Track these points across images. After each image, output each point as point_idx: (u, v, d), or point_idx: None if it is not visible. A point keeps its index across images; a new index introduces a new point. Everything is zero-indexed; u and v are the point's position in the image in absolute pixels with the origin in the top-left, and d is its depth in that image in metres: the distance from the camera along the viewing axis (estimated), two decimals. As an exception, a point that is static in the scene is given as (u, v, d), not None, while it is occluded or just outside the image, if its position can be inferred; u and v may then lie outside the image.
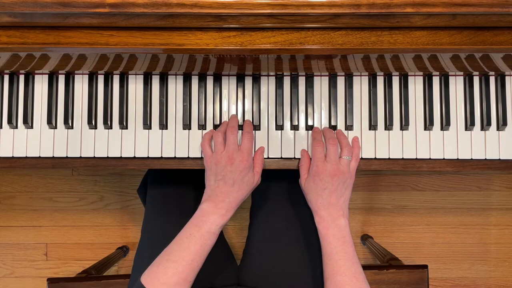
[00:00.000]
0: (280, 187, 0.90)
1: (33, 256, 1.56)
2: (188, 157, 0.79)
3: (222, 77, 0.79)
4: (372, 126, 0.79)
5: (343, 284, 0.68)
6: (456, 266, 1.56)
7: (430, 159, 0.79)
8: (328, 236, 0.71)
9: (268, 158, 0.79)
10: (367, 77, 0.79)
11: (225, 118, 0.80)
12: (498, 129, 0.79)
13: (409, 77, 0.79)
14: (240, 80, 0.79)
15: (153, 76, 0.79)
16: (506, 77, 0.79)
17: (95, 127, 0.79)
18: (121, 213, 1.55)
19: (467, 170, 0.89)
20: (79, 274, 1.07)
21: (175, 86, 0.79)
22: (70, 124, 0.79)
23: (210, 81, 0.80)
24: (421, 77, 0.79)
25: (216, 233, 0.71)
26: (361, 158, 0.78)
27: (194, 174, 0.92)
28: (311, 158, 0.76)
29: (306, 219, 0.85)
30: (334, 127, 0.79)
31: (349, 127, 0.79)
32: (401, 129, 0.79)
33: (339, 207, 0.72)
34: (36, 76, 0.79)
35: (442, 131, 0.79)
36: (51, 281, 0.97)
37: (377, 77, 0.79)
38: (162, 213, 0.89)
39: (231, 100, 0.80)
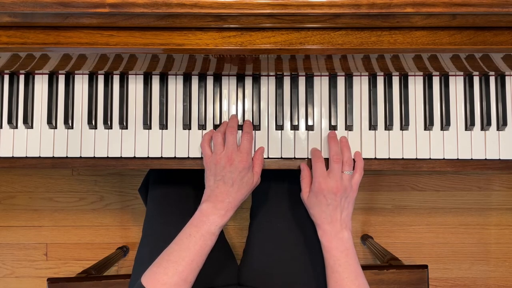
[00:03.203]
0: (280, 187, 0.90)
1: (33, 256, 1.56)
2: (188, 157, 0.79)
3: (222, 77, 0.79)
4: (372, 126, 0.78)
5: None
6: (456, 266, 1.56)
7: (430, 159, 0.79)
8: (331, 249, 0.71)
9: (268, 158, 0.79)
10: (367, 77, 0.79)
11: (225, 118, 0.80)
12: (498, 129, 0.79)
13: (409, 77, 0.79)
14: (240, 80, 0.79)
15: (153, 76, 0.79)
16: (506, 77, 0.79)
17: (95, 127, 0.79)
18: (121, 213, 1.55)
19: (467, 170, 0.89)
20: (79, 274, 1.07)
21: (175, 86, 0.79)
22: (70, 124, 0.79)
23: (210, 81, 0.80)
24: (421, 77, 0.79)
25: (216, 234, 0.71)
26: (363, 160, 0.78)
27: (196, 174, 0.92)
28: (311, 169, 0.76)
29: (306, 219, 0.85)
30: (334, 127, 0.79)
31: (349, 127, 0.79)
32: (401, 129, 0.79)
33: (342, 220, 0.72)
34: (36, 76, 0.79)
35: (442, 131, 0.79)
36: (51, 281, 0.97)
37: (377, 77, 0.79)
38: (163, 213, 0.89)
39: (231, 100, 0.80)
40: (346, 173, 0.73)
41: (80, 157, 0.78)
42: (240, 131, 0.77)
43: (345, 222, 0.73)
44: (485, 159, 0.78)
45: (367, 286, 0.70)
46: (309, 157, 0.78)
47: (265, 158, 0.78)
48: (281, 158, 0.79)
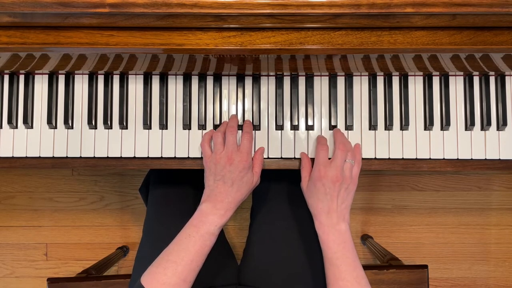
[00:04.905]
0: (280, 187, 0.90)
1: (33, 256, 1.56)
2: (188, 157, 0.79)
3: (222, 77, 0.79)
4: (372, 126, 0.78)
5: None
6: (456, 266, 1.56)
7: (430, 159, 0.79)
8: (328, 242, 0.71)
9: (268, 158, 0.79)
10: (367, 77, 0.79)
11: (225, 118, 0.80)
12: (498, 129, 0.79)
13: (409, 77, 0.79)
14: (240, 80, 0.79)
15: (153, 76, 0.79)
16: (506, 77, 0.79)
17: (95, 127, 0.79)
18: (121, 213, 1.55)
19: (467, 170, 0.89)
20: (79, 274, 1.07)
21: (175, 86, 0.79)
22: (70, 124, 0.79)
23: (210, 81, 0.80)
24: (421, 77, 0.79)
25: (216, 234, 0.71)
26: (362, 158, 0.78)
27: (196, 174, 0.92)
28: (312, 160, 0.76)
29: (307, 219, 0.85)
30: (334, 127, 0.79)
31: (349, 127, 0.79)
32: (401, 129, 0.79)
33: (340, 212, 0.71)
34: (36, 76, 0.79)
35: (442, 131, 0.79)
36: (51, 281, 0.97)
37: (377, 77, 0.79)
38: (164, 213, 0.89)
39: (231, 100, 0.80)
40: (348, 161, 0.72)
41: (80, 157, 0.78)
42: (240, 131, 0.77)
43: (343, 214, 0.72)
44: (485, 159, 0.78)
45: (365, 278, 0.69)
46: (310, 156, 0.78)
47: (265, 158, 0.78)
48: (281, 158, 0.79)
